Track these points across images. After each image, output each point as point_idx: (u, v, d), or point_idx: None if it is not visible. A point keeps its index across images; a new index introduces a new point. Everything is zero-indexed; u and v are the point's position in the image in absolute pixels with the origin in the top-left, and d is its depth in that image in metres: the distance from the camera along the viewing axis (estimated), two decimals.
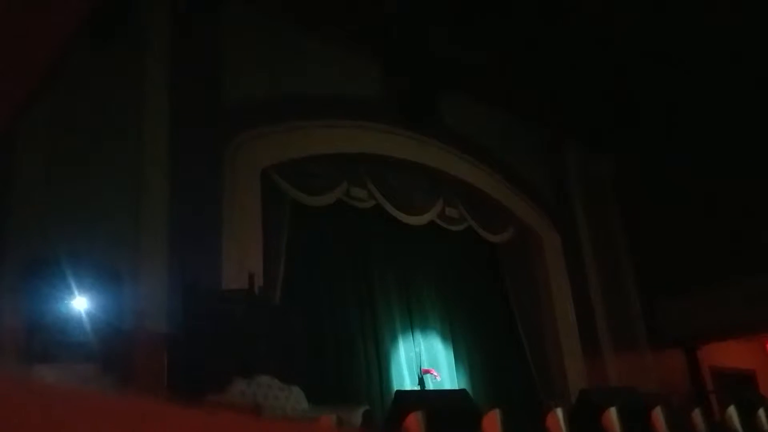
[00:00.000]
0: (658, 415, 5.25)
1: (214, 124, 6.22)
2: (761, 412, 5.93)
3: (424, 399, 5.23)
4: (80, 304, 4.56)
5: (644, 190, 9.65)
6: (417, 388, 6.94)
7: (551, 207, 9.53)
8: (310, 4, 7.10)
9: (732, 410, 5.84)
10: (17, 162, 4.87)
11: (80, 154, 5.14)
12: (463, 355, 7.93)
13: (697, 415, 5.80)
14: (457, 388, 7.34)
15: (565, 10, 7.14)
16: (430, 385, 7.06)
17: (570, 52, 7.82)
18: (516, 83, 8.54)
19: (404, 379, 7.18)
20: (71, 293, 4.50)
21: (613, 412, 4.92)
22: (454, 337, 7.95)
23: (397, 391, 6.36)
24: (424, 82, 8.11)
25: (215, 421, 0.68)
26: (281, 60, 7.09)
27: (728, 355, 9.88)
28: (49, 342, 4.40)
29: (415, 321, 7.66)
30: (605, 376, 8.63)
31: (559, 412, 4.96)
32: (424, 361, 7.28)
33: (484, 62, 8.07)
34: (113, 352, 4.61)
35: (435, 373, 7.13)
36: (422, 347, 7.42)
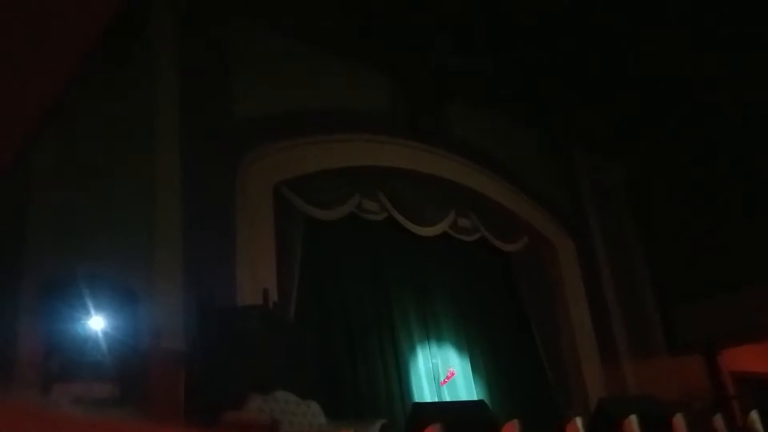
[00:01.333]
0: (678, 422, 5.19)
1: (225, 140, 6.26)
2: None
3: (442, 411, 5.20)
4: (96, 323, 4.57)
5: (658, 194, 9.58)
6: (435, 399, 6.90)
7: (564, 214, 9.49)
8: (318, 19, 7.14)
9: (755, 415, 5.76)
10: (31, 183, 4.92)
11: (93, 174, 5.18)
12: (480, 366, 7.89)
13: (718, 420, 5.74)
14: (474, 398, 7.29)
15: (572, 16, 7.13)
16: (446, 396, 7.01)
17: (581, 58, 7.80)
18: (526, 92, 8.52)
19: (423, 390, 7.15)
20: (87, 313, 4.52)
21: (633, 421, 4.87)
22: (470, 348, 7.92)
23: (415, 403, 6.32)
24: (432, 93, 8.12)
25: None
26: (290, 75, 7.12)
27: (750, 359, 9.73)
28: (66, 362, 4.42)
29: (431, 332, 7.64)
30: (624, 384, 8.54)
31: (579, 421, 4.92)
32: (442, 372, 7.24)
33: (492, 71, 8.07)
34: (130, 370, 4.62)
35: (450, 372, 7.04)
36: (439, 358, 7.38)
